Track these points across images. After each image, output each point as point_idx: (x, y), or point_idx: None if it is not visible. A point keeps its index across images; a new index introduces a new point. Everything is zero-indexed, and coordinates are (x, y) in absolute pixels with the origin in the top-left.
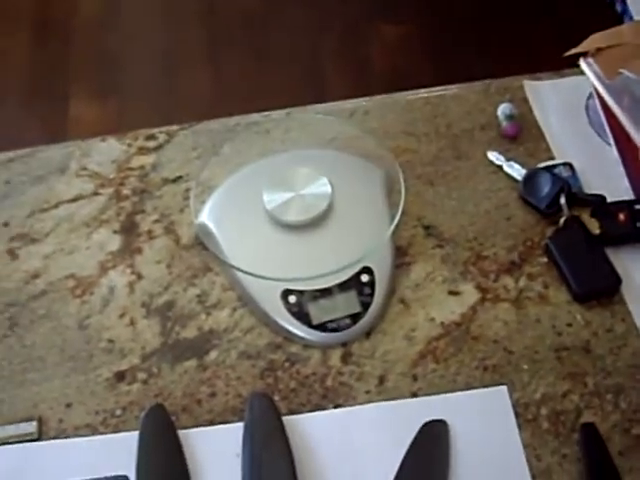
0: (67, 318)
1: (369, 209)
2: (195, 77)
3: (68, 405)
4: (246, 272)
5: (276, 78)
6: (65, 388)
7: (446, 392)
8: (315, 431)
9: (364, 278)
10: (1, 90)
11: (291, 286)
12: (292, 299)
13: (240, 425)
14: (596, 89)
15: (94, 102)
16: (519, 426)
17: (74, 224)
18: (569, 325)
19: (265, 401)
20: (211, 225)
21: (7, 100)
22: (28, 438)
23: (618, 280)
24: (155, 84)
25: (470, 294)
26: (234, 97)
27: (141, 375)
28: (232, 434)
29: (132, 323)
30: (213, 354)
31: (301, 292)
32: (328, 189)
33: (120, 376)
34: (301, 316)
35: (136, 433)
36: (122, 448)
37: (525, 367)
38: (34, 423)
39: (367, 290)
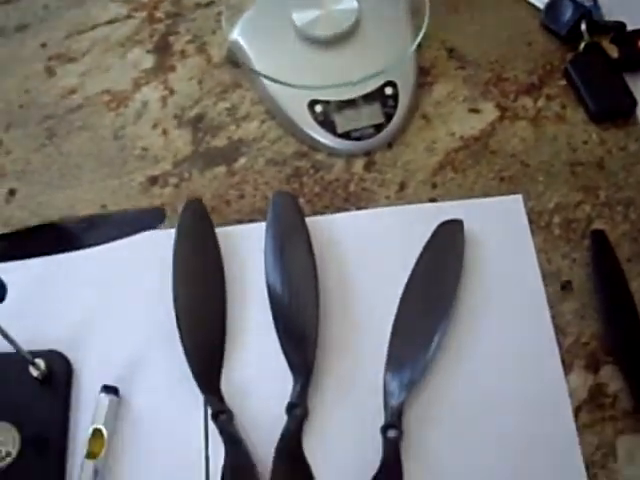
0: (103, 129)
1: (394, 27)
2: None
3: (103, 206)
4: (275, 80)
5: None
6: (101, 191)
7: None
8: (336, 230)
9: (388, 91)
10: None
11: (318, 96)
12: (318, 108)
13: (248, 226)
14: None
15: None
16: (532, 232)
17: (109, 44)
18: (585, 143)
19: (288, 199)
20: (242, 41)
21: None
22: None
23: (634, 102)
24: None
25: (489, 112)
26: None
27: (173, 180)
28: (259, 232)
29: (164, 133)
30: (242, 161)
31: (327, 102)
32: (355, 4)
33: (153, 180)
34: (326, 125)
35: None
36: (160, 242)
37: (540, 179)
38: None
39: (390, 102)
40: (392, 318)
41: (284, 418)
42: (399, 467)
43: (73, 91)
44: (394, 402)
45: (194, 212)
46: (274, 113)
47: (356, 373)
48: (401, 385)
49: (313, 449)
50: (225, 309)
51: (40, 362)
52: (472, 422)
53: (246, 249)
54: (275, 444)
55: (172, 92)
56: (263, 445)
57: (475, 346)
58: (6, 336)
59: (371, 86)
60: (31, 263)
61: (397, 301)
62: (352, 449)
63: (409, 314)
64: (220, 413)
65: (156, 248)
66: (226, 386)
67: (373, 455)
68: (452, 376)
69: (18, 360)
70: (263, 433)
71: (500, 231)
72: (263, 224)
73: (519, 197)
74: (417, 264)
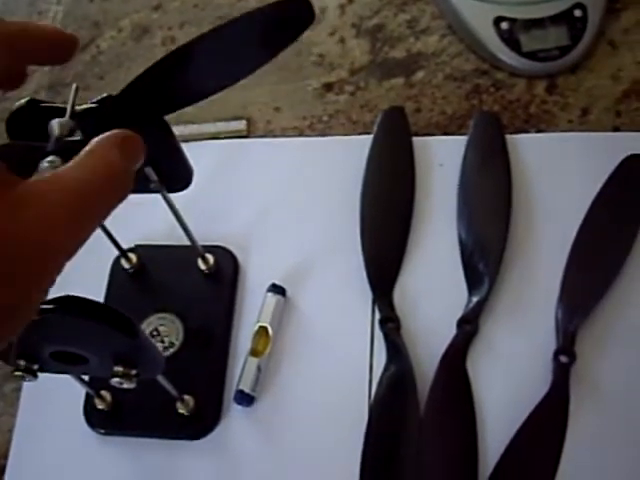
0: None
1: None
2: None
3: (276, 109)
4: None
5: None
6: (274, 94)
7: None
8: (517, 151)
9: (577, 13)
10: None
11: (504, 13)
12: (504, 25)
13: (442, 138)
14: None
15: None
16: None
17: None
18: None
19: (492, 119)
20: None
21: None
22: (237, 135)
23: None
24: None
25: None
26: None
27: (349, 88)
28: (455, 145)
29: (342, 41)
30: (420, 74)
31: (513, 20)
32: None
33: (328, 87)
34: (511, 43)
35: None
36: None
37: None
38: (244, 121)
39: (579, 25)
40: (569, 245)
41: (452, 334)
42: (567, 394)
43: None
44: (567, 327)
45: (393, 119)
46: (455, 28)
47: (531, 296)
48: (575, 310)
49: (477, 368)
50: (411, 217)
51: (209, 257)
52: None
53: (440, 160)
54: (439, 358)
55: (351, 1)
56: (426, 358)
57: None
58: (184, 226)
59: (560, 7)
60: (211, 145)
61: (575, 228)
62: (518, 372)
63: (587, 244)
64: (388, 320)
65: (348, 153)
66: (398, 294)
67: (540, 381)
68: (628, 306)
69: (187, 253)
70: (428, 346)
71: None
72: (459, 138)
73: None
74: (600, 195)
